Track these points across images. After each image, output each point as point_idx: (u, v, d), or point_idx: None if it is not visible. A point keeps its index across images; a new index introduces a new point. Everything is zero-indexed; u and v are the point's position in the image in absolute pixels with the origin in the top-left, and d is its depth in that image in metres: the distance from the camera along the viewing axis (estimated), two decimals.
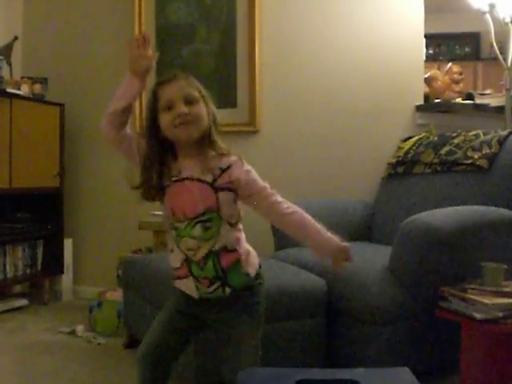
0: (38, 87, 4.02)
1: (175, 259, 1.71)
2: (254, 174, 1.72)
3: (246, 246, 1.78)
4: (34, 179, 3.89)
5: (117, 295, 3.30)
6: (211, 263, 1.65)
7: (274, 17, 3.86)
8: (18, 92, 3.85)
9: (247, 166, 1.71)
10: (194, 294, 1.70)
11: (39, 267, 4.13)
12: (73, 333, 3.31)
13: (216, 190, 1.64)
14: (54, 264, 4.15)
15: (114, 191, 3.91)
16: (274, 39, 3.87)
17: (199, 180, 1.63)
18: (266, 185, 1.74)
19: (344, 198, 3.67)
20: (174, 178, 1.65)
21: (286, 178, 3.84)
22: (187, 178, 1.64)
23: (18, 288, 4.19)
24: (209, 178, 1.63)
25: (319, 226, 1.76)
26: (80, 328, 3.33)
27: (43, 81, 4.08)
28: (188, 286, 1.70)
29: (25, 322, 3.58)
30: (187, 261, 1.68)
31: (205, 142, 1.67)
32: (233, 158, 1.68)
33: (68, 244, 4.20)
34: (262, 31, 3.84)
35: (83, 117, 4.26)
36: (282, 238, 3.29)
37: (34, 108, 3.92)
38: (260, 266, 1.81)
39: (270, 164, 3.83)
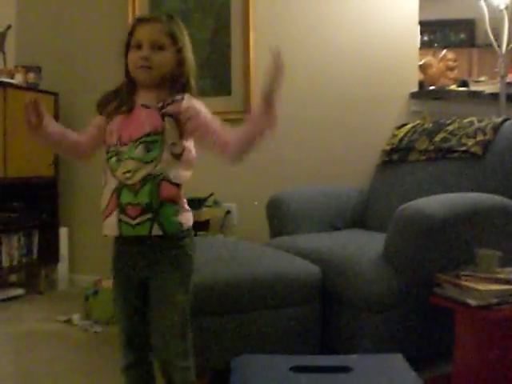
0: (31, 76, 4.01)
1: (106, 193, 1.68)
2: (204, 108, 1.71)
3: (185, 202, 1.74)
4: (28, 168, 3.89)
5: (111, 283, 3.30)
6: (148, 188, 1.61)
7: (268, 4, 3.85)
8: (11, 81, 3.84)
9: (199, 102, 1.72)
10: (115, 232, 1.65)
11: (35, 256, 4.12)
12: (69, 321, 3.32)
13: (163, 115, 1.65)
14: (49, 253, 4.15)
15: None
16: (268, 26, 3.85)
17: (149, 107, 1.67)
18: (213, 119, 1.71)
19: (339, 185, 3.67)
20: (126, 107, 1.68)
21: (280, 165, 3.85)
22: (139, 106, 1.68)
23: (13, 277, 4.19)
24: (158, 105, 1.66)
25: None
26: (76, 317, 3.34)
27: (37, 70, 4.06)
28: (111, 224, 1.66)
29: (21, 311, 3.59)
30: (118, 189, 1.64)
31: (165, 84, 1.70)
32: (192, 101, 1.70)
33: (63, 233, 4.20)
34: (256, 18, 3.83)
35: (77, 105, 4.24)
36: (277, 226, 3.30)
37: (28, 97, 3.89)
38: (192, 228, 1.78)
39: (264, 151, 3.83)
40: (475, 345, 2.25)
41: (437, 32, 7.04)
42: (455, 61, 4.05)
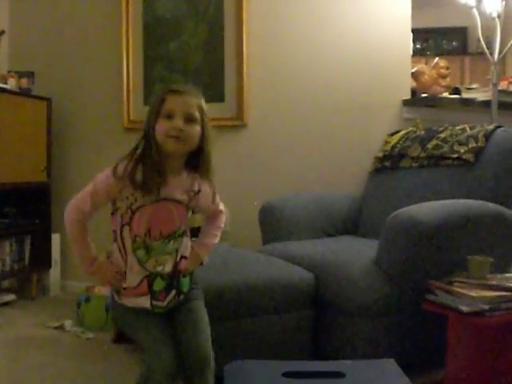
0: (24, 81, 4.00)
1: (133, 279, 1.73)
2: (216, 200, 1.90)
3: None
4: (20, 174, 3.87)
5: (104, 290, 3.29)
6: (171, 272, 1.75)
7: (261, 10, 3.86)
8: (4, 86, 3.83)
9: (215, 198, 1.88)
10: (148, 307, 1.74)
11: (27, 262, 4.11)
12: (61, 327, 3.30)
13: (187, 209, 1.76)
14: (41, 259, 4.13)
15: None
16: (261, 33, 3.87)
17: (178, 201, 1.72)
18: (220, 208, 1.93)
19: (331, 192, 3.68)
20: (151, 200, 1.68)
21: (273, 172, 3.85)
22: (166, 199, 1.70)
23: (5, 283, 4.17)
24: (185, 200, 1.73)
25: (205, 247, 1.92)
26: (68, 323, 3.33)
27: (30, 75, 4.05)
28: (140, 303, 1.74)
29: (13, 316, 3.57)
30: (150, 278, 1.72)
31: (190, 161, 1.75)
32: (204, 184, 1.80)
33: (56, 239, 4.19)
34: (249, 25, 3.85)
35: (70, 111, 4.24)
36: (270, 232, 3.31)
37: (21, 102, 3.90)
38: None
39: (257, 158, 3.84)
40: (467, 351, 2.25)
41: (429, 40, 7.08)
42: (447, 68, 4.07)
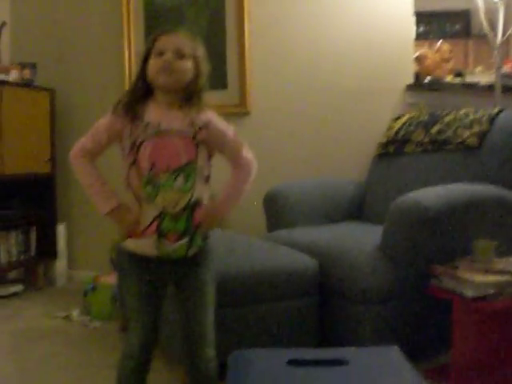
0: (27, 73, 3.99)
1: (145, 217, 1.70)
2: (226, 128, 1.81)
3: None
4: (25, 165, 3.88)
5: (111, 279, 3.31)
6: (185, 215, 1.69)
7: None
8: (7, 78, 3.83)
9: (221, 123, 1.80)
10: (153, 252, 1.70)
11: (33, 253, 4.12)
12: (68, 317, 3.33)
13: (197, 143, 1.71)
14: (47, 249, 4.15)
15: (106, 175, 3.89)
16: (263, 19, 3.85)
17: (181, 133, 1.69)
18: (234, 136, 1.85)
19: (335, 177, 3.68)
20: (153, 130, 1.68)
21: (277, 158, 3.85)
22: (169, 131, 1.69)
23: (12, 274, 4.19)
24: (190, 133, 1.70)
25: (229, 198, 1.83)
26: (75, 312, 3.35)
27: (32, 66, 4.04)
28: (147, 245, 1.70)
29: (20, 307, 3.59)
30: (159, 216, 1.68)
31: (186, 97, 1.74)
32: (209, 115, 1.76)
33: (61, 229, 4.20)
34: (251, 11, 3.83)
35: (73, 101, 4.24)
36: (274, 219, 3.31)
37: (24, 94, 3.90)
38: None
39: (261, 145, 3.83)
40: (472, 336, 2.26)
41: (432, 23, 7.03)
42: (451, 52, 4.04)
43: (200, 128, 1.71)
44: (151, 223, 1.68)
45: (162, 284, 1.76)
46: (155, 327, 1.74)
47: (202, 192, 1.73)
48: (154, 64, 1.70)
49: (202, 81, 1.76)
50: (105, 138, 1.75)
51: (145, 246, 1.70)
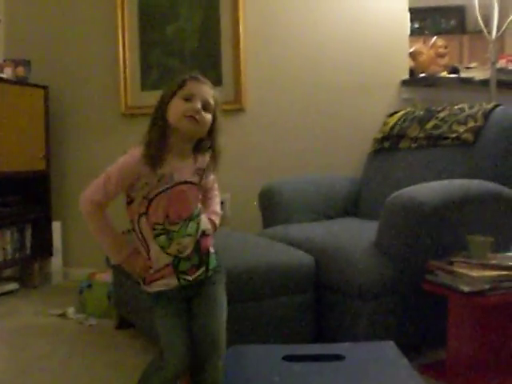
0: (21, 70, 3.98)
1: (156, 262, 1.73)
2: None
3: None
4: (19, 163, 3.87)
5: (106, 277, 3.30)
6: (195, 252, 1.74)
7: None
8: (0, 75, 3.82)
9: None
10: (174, 286, 1.74)
11: (28, 250, 4.11)
12: (64, 315, 3.32)
13: (199, 189, 1.77)
14: (43, 247, 4.14)
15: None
16: (257, 15, 3.85)
17: (191, 183, 1.73)
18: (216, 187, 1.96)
19: (330, 173, 3.68)
20: (166, 186, 1.68)
21: (272, 155, 3.85)
22: (180, 183, 1.70)
23: (8, 272, 4.18)
24: (196, 180, 1.74)
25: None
26: (71, 310, 3.34)
27: (26, 63, 4.03)
28: (168, 284, 1.74)
29: (16, 305, 3.59)
30: (173, 262, 1.72)
31: (196, 147, 1.76)
32: (206, 159, 1.78)
33: (56, 227, 4.19)
34: (245, 7, 3.82)
35: (68, 98, 4.23)
36: (270, 216, 3.31)
37: (18, 91, 3.88)
38: None
39: (256, 142, 3.84)
40: (468, 331, 2.26)
41: (427, 19, 7.02)
42: (445, 47, 4.04)
43: (203, 173, 1.77)
44: (165, 268, 1.72)
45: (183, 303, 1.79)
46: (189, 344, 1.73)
47: (205, 223, 1.80)
48: (179, 107, 1.68)
49: (216, 134, 1.77)
50: (117, 189, 1.71)
51: (163, 284, 1.74)
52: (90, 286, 3.35)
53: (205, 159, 1.76)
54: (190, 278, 1.73)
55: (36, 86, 4.02)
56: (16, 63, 3.99)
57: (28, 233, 4.11)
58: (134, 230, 1.75)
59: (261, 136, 3.86)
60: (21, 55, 4.15)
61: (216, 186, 1.96)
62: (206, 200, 1.91)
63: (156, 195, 1.68)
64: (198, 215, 1.76)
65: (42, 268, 4.17)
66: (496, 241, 2.32)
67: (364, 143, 3.63)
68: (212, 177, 1.88)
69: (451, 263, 2.26)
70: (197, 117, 1.66)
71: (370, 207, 3.28)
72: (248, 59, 3.85)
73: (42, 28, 4.33)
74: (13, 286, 3.91)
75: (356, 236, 2.65)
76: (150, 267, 1.72)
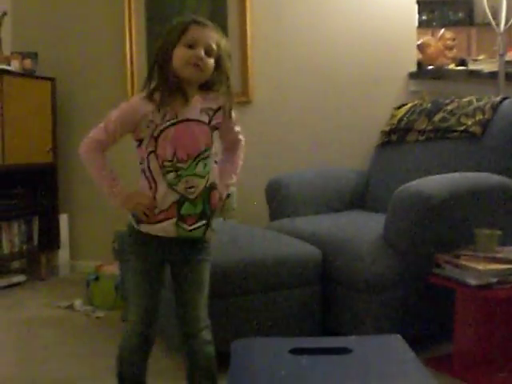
0: (28, 62, 3.99)
1: (163, 202, 1.73)
2: (234, 118, 1.87)
3: None
4: (27, 155, 3.88)
5: (113, 269, 3.31)
6: (202, 198, 1.75)
7: None
8: (8, 68, 3.82)
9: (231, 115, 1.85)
10: (171, 234, 1.74)
11: (35, 243, 4.13)
12: (71, 307, 3.33)
13: (211, 129, 1.77)
14: (50, 239, 4.15)
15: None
16: (265, 9, 3.83)
17: (198, 121, 1.74)
18: (239, 130, 1.94)
19: (338, 166, 3.67)
20: (172, 121, 1.70)
21: (279, 148, 3.84)
22: (186, 120, 1.72)
23: (15, 264, 4.20)
24: (205, 119, 1.75)
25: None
26: (78, 302, 3.35)
27: (33, 56, 4.04)
28: (166, 229, 1.74)
29: (23, 297, 3.60)
30: (179, 201, 1.72)
31: (202, 88, 1.77)
32: (221, 100, 1.78)
33: (64, 219, 4.20)
34: (253, 1, 3.81)
35: (75, 91, 4.23)
36: (276, 209, 3.30)
37: (25, 83, 3.89)
38: None
39: (263, 134, 3.83)
40: (475, 324, 2.26)
41: (435, 11, 6.99)
42: (454, 40, 4.02)
43: (214, 114, 1.77)
44: (170, 208, 1.72)
45: (164, 265, 1.82)
46: (157, 305, 1.79)
47: (215, 175, 1.80)
48: (183, 55, 1.69)
49: (220, 77, 1.77)
50: (119, 129, 1.74)
51: (162, 228, 1.74)
52: (97, 278, 3.36)
53: (217, 100, 1.77)
54: (188, 228, 1.73)
55: (43, 78, 4.03)
56: (23, 56, 3.99)
57: (35, 225, 4.12)
58: (143, 171, 1.75)
59: (268, 129, 3.85)
60: (28, 48, 4.15)
61: (242, 144, 2.00)
62: (229, 153, 1.94)
63: (162, 131, 1.70)
64: (209, 157, 1.75)
65: (49, 260, 4.18)
66: (503, 234, 2.31)
67: (371, 136, 3.61)
68: (236, 129, 1.91)
69: (458, 256, 2.25)
70: (200, 64, 1.68)
71: (377, 200, 3.27)
72: (255, 52, 3.83)
73: (48, 20, 4.32)
74: (20, 278, 3.93)
75: (363, 229, 2.64)
76: (155, 207, 1.72)
